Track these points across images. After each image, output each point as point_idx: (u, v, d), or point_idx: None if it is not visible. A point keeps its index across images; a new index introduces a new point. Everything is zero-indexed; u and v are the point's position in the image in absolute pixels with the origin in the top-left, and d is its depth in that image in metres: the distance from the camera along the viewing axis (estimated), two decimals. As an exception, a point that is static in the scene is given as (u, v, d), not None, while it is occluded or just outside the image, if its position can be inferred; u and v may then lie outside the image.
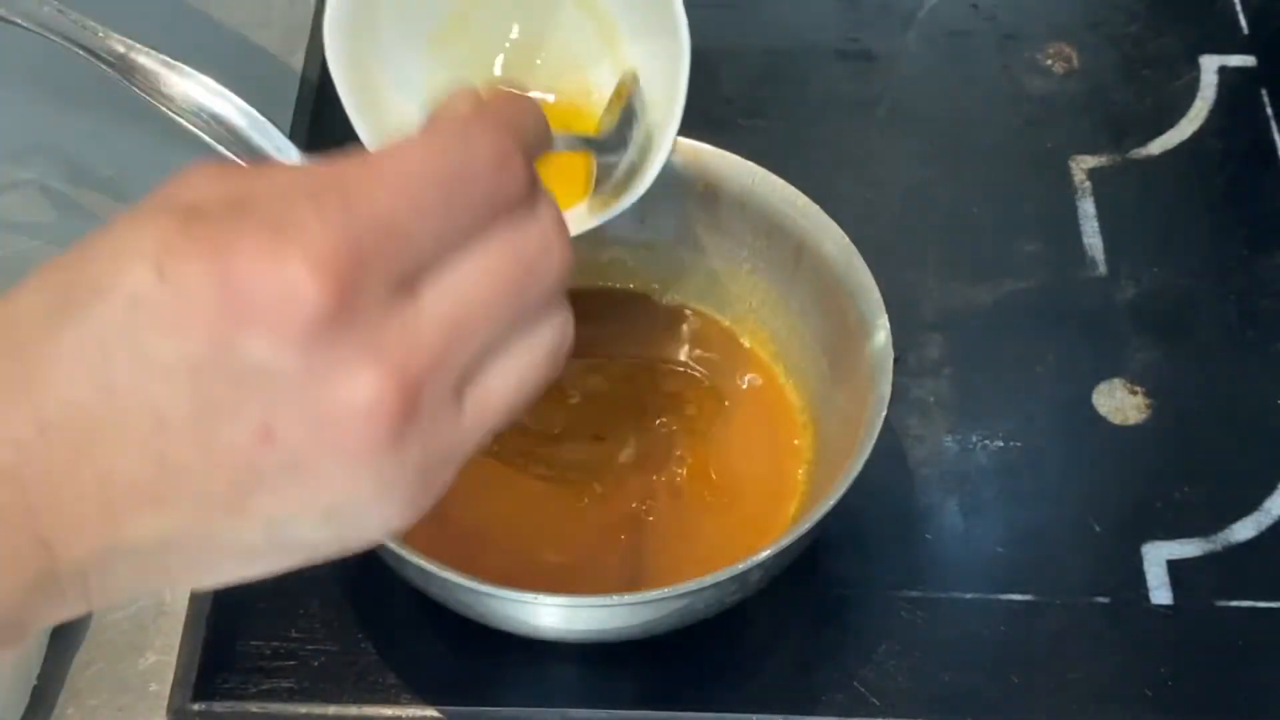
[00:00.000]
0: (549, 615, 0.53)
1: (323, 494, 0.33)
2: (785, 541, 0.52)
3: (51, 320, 0.32)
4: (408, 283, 0.33)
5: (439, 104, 0.38)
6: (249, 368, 0.32)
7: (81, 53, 0.59)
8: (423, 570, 0.51)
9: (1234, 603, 0.59)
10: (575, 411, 0.63)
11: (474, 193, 0.35)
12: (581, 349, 0.64)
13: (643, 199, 0.64)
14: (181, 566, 0.34)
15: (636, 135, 0.57)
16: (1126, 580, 0.60)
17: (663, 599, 0.51)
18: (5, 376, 0.32)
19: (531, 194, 0.36)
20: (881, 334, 0.57)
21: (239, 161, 0.58)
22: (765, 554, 0.51)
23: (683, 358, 0.65)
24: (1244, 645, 0.58)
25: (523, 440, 0.62)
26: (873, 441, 0.53)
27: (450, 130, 0.36)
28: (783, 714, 0.56)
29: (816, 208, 0.61)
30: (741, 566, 0.51)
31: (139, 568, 0.33)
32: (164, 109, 0.58)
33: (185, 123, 0.58)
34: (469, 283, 0.34)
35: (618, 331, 0.66)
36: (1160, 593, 0.60)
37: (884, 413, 0.54)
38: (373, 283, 0.32)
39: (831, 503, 0.52)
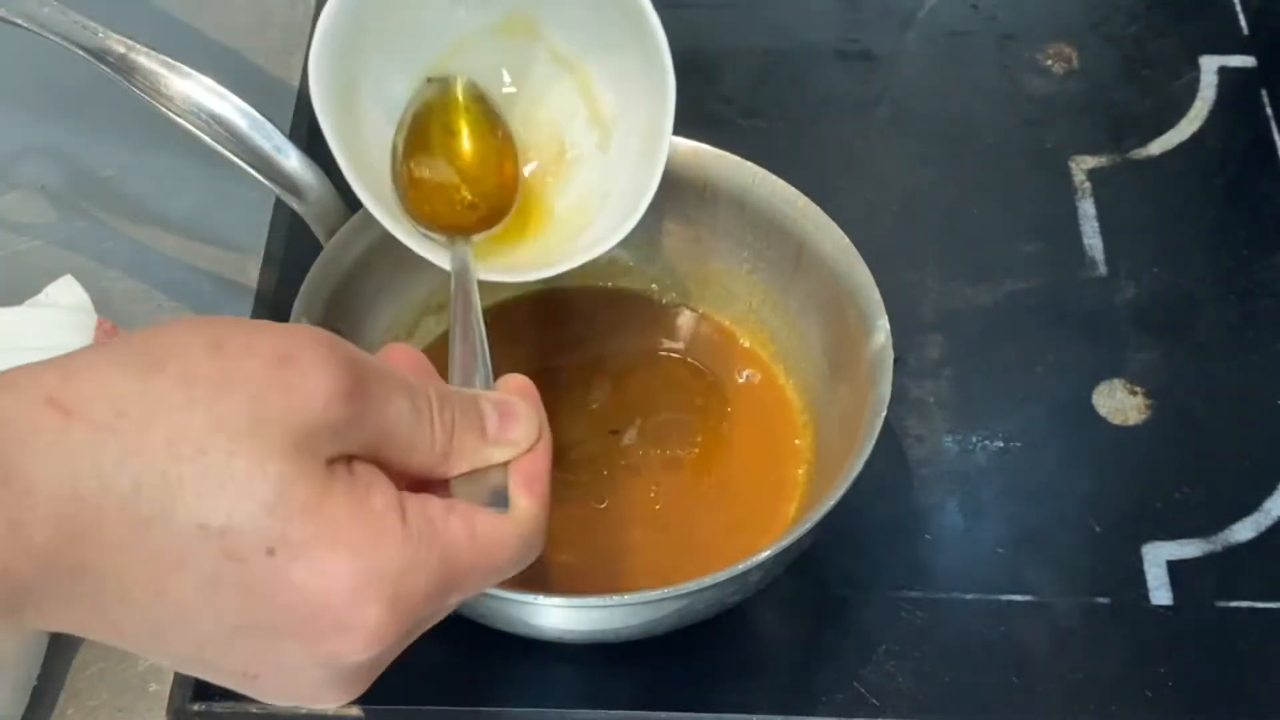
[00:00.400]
0: (549, 616, 0.53)
1: (283, 694, 0.40)
2: (785, 542, 0.52)
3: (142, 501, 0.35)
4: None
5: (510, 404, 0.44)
6: (279, 661, 0.38)
7: (81, 53, 0.58)
8: None
9: (1234, 603, 0.59)
10: (574, 412, 0.63)
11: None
12: (580, 349, 0.65)
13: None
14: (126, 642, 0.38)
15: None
16: (1127, 581, 0.60)
17: (662, 599, 0.51)
18: None
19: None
20: (881, 334, 0.57)
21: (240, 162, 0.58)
22: (765, 554, 0.51)
23: (682, 358, 0.65)
24: (1244, 646, 0.58)
25: None
26: (872, 442, 0.53)
27: (530, 544, 0.43)
28: (783, 714, 0.56)
29: (816, 208, 0.61)
30: (741, 567, 0.51)
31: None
32: (164, 109, 0.58)
33: (185, 123, 0.58)
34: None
35: (617, 332, 0.66)
36: (1160, 593, 0.60)
37: (884, 413, 0.54)
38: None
39: (831, 503, 0.52)
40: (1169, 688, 0.57)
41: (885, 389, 0.55)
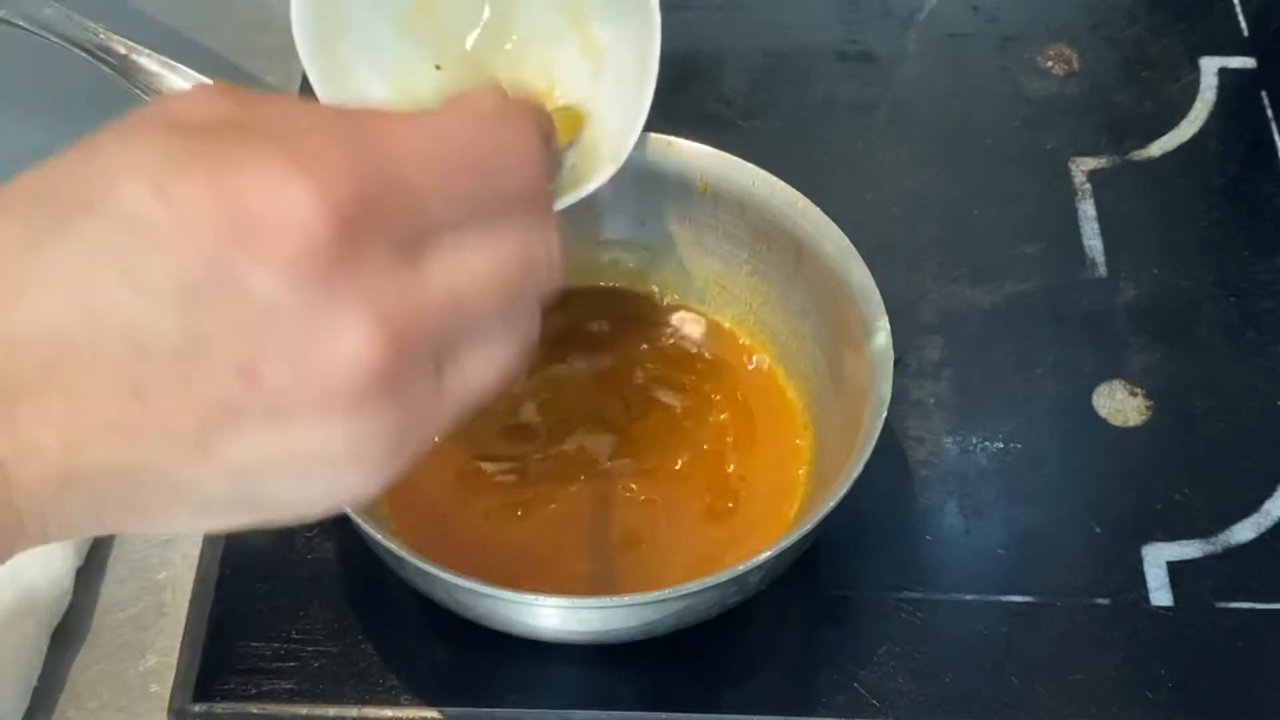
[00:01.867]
0: (548, 616, 0.53)
1: (297, 444, 0.32)
2: (785, 543, 0.52)
3: (34, 236, 0.31)
4: (415, 244, 0.32)
5: (465, 91, 0.36)
6: (244, 299, 0.30)
7: (82, 54, 0.59)
8: (423, 571, 0.51)
9: (1234, 604, 0.59)
10: (573, 412, 0.63)
11: (501, 176, 0.34)
12: (580, 350, 0.65)
13: (642, 200, 0.64)
14: (138, 507, 0.33)
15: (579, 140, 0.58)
16: (1127, 582, 0.60)
17: (662, 600, 0.51)
18: None
19: (547, 200, 0.36)
20: (882, 335, 0.57)
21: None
22: (765, 555, 0.51)
23: (683, 359, 0.65)
24: (1244, 647, 0.58)
25: (520, 441, 0.62)
26: (873, 443, 0.53)
27: (488, 109, 0.35)
28: (783, 715, 0.56)
29: (816, 209, 0.61)
30: (742, 568, 0.51)
31: (94, 502, 0.32)
32: None
33: None
34: (473, 262, 0.34)
35: (617, 332, 0.66)
36: (1160, 594, 0.60)
37: (884, 414, 0.54)
38: (381, 231, 0.31)
39: (831, 504, 0.52)
40: (1169, 689, 0.57)
41: (886, 390, 0.55)
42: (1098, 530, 0.62)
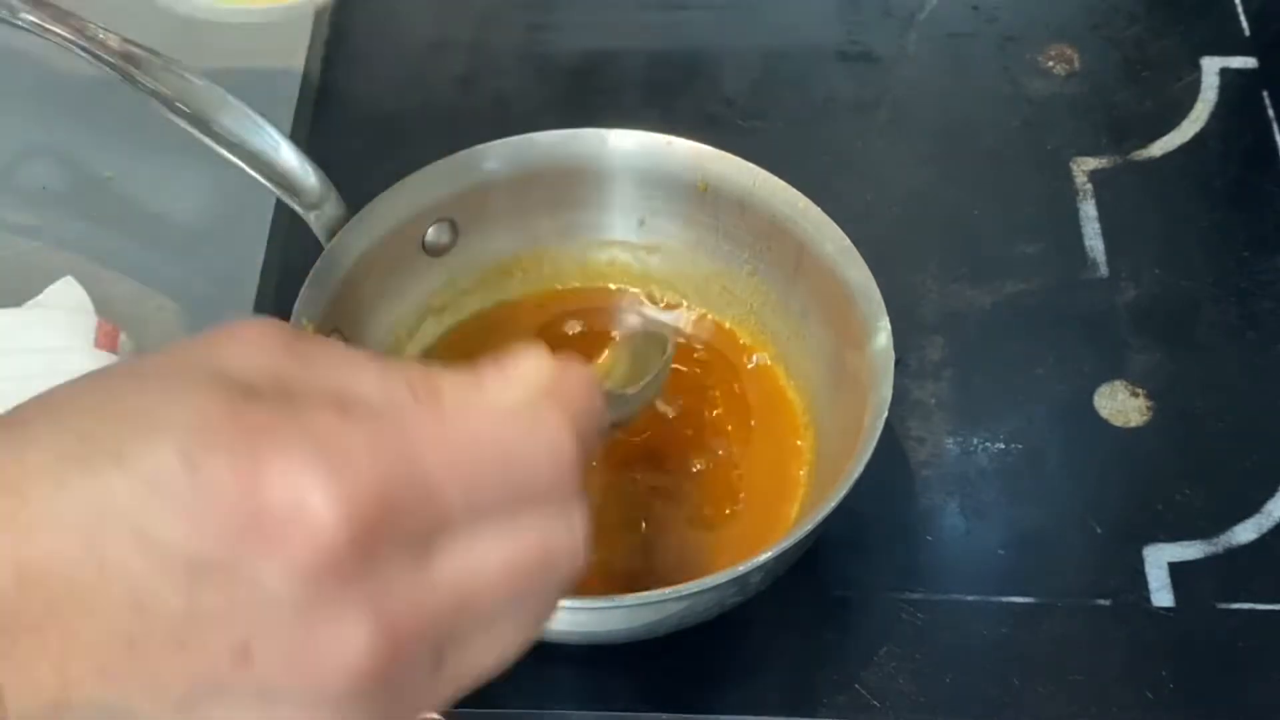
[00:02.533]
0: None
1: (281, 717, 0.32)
2: (785, 544, 0.52)
3: (62, 472, 0.31)
4: (430, 541, 0.33)
5: (514, 353, 0.36)
6: (250, 586, 0.31)
7: (80, 53, 0.58)
8: None
9: (1235, 605, 0.59)
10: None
11: (526, 480, 0.34)
12: (582, 351, 0.65)
13: (642, 200, 0.64)
14: None
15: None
16: (1128, 582, 0.60)
17: (662, 601, 0.51)
18: None
19: (574, 493, 0.35)
20: (883, 336, 0.57)
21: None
22: (765, 556, 0.51)
23: (683, 359, 0.65)
24: (1245, 647, 0.58)
25: None
26: (874, 443, 0.53)
27: (522, 402, 0.34)
28: (783, 716, 0.56)
29: (817, 209, 0.61)
30: (743, 568, 0.51)
31: None
32: (163, 110, 0.58)
33: (184, 124, 0.58)
34: (486, 562, 0.34)
35: (618, 333, 0.66)
36: (1161, 595, 0.60)
37: (885, 414, 0.54)
38: (396, 536, 0.32)
39: (832, 504, 0.52)
40: (1170, 689, 0.57)
41: (887, 390, 0.55)
42: (1099, 531, 0.61)
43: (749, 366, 0.64)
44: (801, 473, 0.61)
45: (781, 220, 0.62)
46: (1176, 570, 0.60)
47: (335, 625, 0.31)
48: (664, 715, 0.56)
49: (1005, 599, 0.59)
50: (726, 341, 0.65)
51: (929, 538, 0.61)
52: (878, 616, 0.59)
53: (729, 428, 0.62)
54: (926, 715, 0.56)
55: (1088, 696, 0.57)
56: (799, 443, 0.62)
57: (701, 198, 0.63)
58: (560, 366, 0.36)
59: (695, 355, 0.65)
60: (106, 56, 0.59)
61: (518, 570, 0.34)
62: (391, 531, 0.31)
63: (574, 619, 0.54)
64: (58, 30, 0.59)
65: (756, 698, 0.57)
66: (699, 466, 0.61)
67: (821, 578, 0.60)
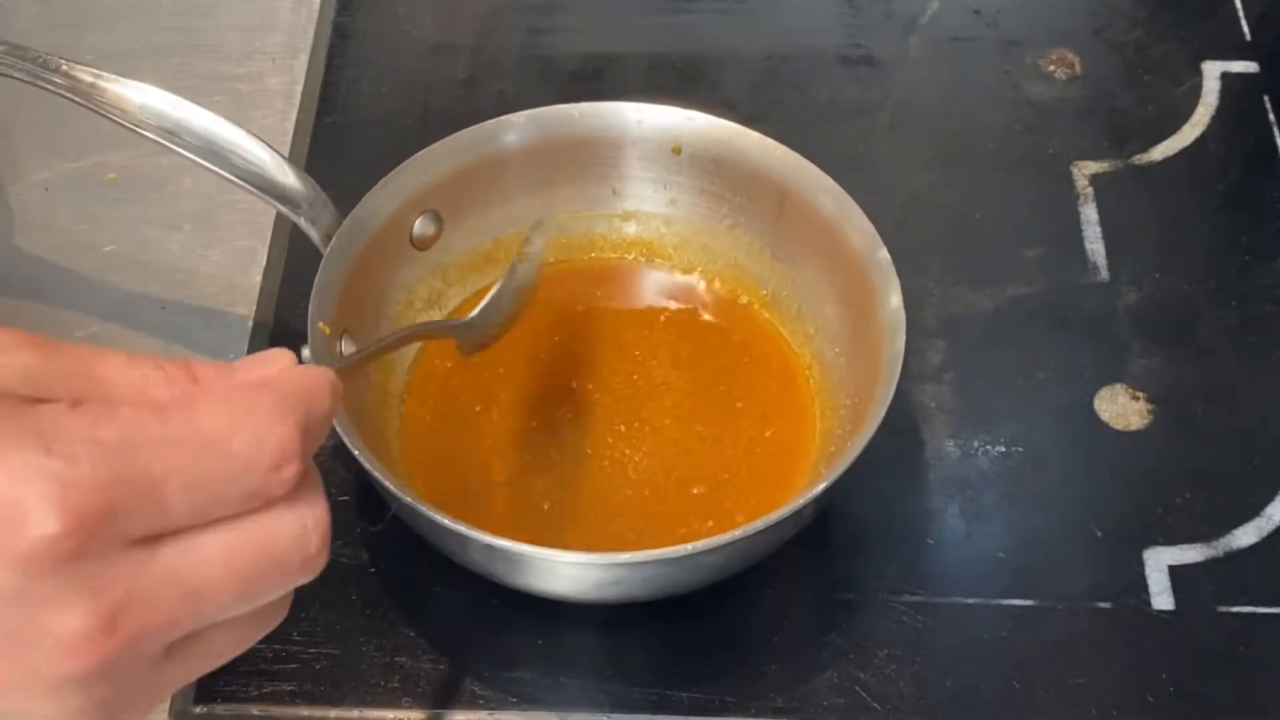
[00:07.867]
0: (562, 573, 0.54)
1: (3, 705, 0.34)
2: (841, 467, 0.52)
3: None
4: (153, 537, 0.34)
5: (254, 357, 0.37)
6: None
7: (52, 91, 0.59)
8: (437, 525, 0.51)
9: (1235, 608, 0.59)
10: (571, 379, 0.64)
11: (246, 482, 0.35)
12: (572, 323, 0.65)
13: (614, 170, 0.66)
14: None
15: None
16: (1128, 586, 0.60)
17: (677, 558, 0.51)
18: None
19: (297, 490, 0.36)
20: (895, 297, 0.58)
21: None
22: (821, 487, 0.52)
23: (679, 324, 0.66)
24: (1245, 651, 0.58)
25: (524, 399, 0.63)
26: (893, 389, 0.54)
27: (248, 406, 0.35)
28: (784, 717, 0.56)
29: (795, 154, 0.62)
30: (775, 517, 0.51)
31: None
32: (141, 133, 0.59)
33: (168, 144, 0.59)
34: (208, 558, 0.35)
35: (614, 300, 0.67)
36: (1162, 598, 0.60)
37: (900, 366, 0.55)
38: (115, 533, 0.33)
39: (856, 451, 0.53)
40: (1170, 693, 0.57)
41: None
42: (1099, 534, 0.62)
43: (746, 326, 0.65)
44: (813, 436, 0.61)
45: (760, 170, 0.63)
46: (1177, 573, 0.60)
47: (53, 615, 0.33)
48: (664, 717, 0.56)
49: (1006, 602, 0.59)
50: (718, 301, 0.66)
51: (929, 540, 0.61)
52: (878, 619, 0.59)
53: (733, 391, 0.63)
54: (927, 718, 0.56)
55: (1088, 699, 0.57)
56: (809, 405, 0.63)
57: (676, 160, 0.65)
58: (294, 370, 0.37)
59: (690, 318, 0.66)
60: (76, 90, 0.59)
61: (241, 567, 0.35)
62: (112, 525, 0.33)
63: (589, 575, 0.54)
64: (21, 72, 0.59)
65: (757, 699, 0.57)
66: (703, 425, 0.62)
67: (822, 580, 0.60)
